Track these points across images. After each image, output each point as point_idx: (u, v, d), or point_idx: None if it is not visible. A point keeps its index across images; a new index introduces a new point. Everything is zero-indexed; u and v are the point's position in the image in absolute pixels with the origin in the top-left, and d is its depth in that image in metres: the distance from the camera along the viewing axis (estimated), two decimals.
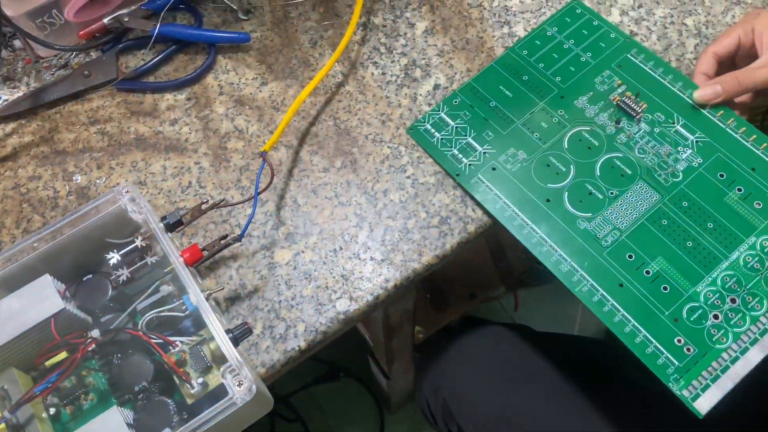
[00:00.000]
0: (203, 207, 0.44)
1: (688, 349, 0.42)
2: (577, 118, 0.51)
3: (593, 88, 0.52)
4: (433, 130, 0.52)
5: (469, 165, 0.50)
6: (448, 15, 0.58)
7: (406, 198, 0.50)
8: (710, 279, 0.44)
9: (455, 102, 0.53)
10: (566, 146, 0.50)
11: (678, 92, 0.51)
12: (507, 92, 0.53)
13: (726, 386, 0.41)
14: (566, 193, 0.48)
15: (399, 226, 0.49)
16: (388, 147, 0.52)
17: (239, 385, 0.37)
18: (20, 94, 0.56)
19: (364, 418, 1.14)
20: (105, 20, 0.56)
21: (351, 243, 0.49)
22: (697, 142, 0.49)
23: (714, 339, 0.43)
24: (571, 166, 0.49)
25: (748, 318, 0.43)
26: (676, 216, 0.47)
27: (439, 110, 0.53)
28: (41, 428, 0.39)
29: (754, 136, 0.48)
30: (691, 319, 0.43)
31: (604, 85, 0.52)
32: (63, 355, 0.41)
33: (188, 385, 0.39)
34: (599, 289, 0.45)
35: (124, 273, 0.42)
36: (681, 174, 0.48)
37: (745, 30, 0.50)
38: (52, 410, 0.40)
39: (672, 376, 0.42)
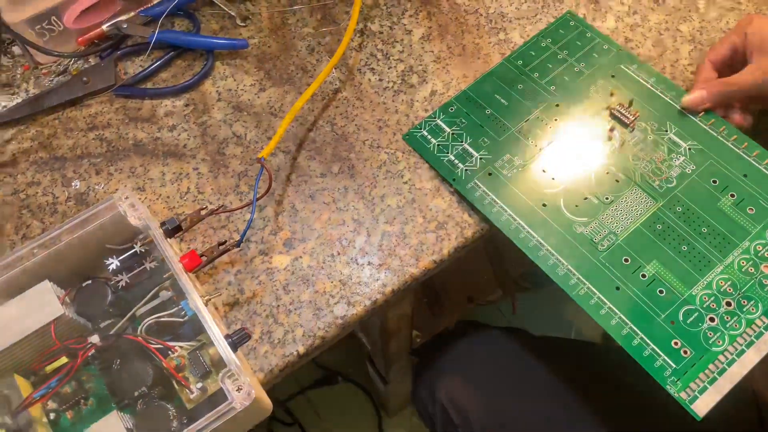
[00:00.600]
0: (202, 213, 0.45)
1: (685, 352, 0.43)
2: (572, 124, 0.52)
3: (588, 97, 0.53)
4: (429, 137, 0.52)
5: (466, 170, 0.50)
6: (444, 21, 0.59)
7: (403, 203, 0.51)
8: (705, 282, 0.45)
9: (451, 109, 0.54)
10: (561, 153, 0.51)
11: (670, 101, 0.52)
12: (502, 100, 0.54)
13: (724, 388, 0.42)
14: (562, 198, 0.49)
15: (396, 231, 0.50)
16: (386, 152, 0.53)
17: (238, 389, 0.37)
18: (19, 100, 0.56)
19: (361, 422, 1.15)
20: (104, 27, 0.56)
21: (349, 248, 0.49)
22: (689, 149, 0.50)
23: (710, 342, 0.43)
24: (567, 172, 0.50)
25: (743, 321, 0.43)
26: (671, 221, 0.47)
27: (435, 117, 0.53)
28: (49, 430, 0.39)
29: (746, 144, 0.49)
30: (688, 321, 0.44)
31: (598, 94, 0.53)
32: (63, 360, 0.42)
33: (187, 390, 0.39)
34: (596, 292, 0.45)
35: (124, 278, 0.43)
36: (675, 180, 0.49)
37: (739, 36, 0.50)
38: (52, 415, 0.40)
39: (669, 378, 0.42)
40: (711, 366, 0.42)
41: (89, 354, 0.40)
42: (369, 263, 0.48)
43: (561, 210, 0.48)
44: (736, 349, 0.43)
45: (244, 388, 0.37)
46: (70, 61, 0.57)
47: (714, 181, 0.48)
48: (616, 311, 0.44)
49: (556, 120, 0.52)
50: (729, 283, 0.45)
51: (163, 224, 0.43)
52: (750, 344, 0.43)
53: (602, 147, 0.51)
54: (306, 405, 1.14)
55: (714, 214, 0.47)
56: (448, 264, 0.49)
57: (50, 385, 0.39)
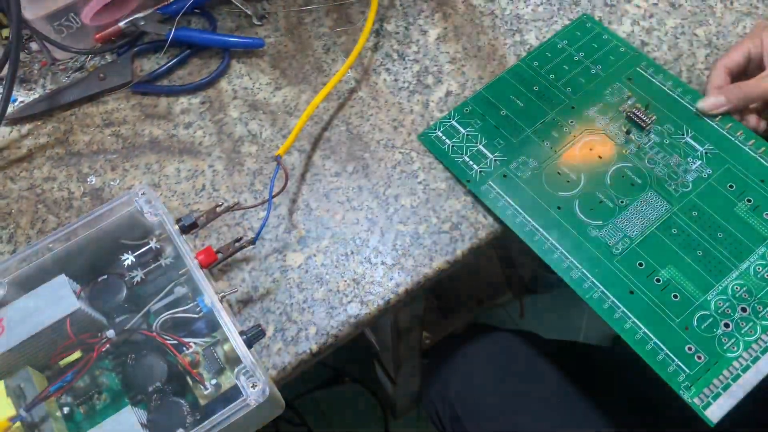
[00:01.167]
0: (218, 210, 0.45)
1: (699, 357, 0.43)
2: (588, 127, 0.52)
3: (603, 99, 0.53)
4: (444, 137, 0.52)
5: (480, 172, 0.50)
6: (460, 22, 0.59)
7: (417, 203, 0.51)
8: (720, 288, 0.45)
9: (466, 110, 0.54)
10: (577, 156, 0.51)
11: (687, 105, 0.51)
12: (518, 102, 0.53)
13: (737, 395, 0.41)
14: (577, 201, 0.49)
15: (410, 231, 0.50)
16: (400, 152, 0.53)
17: (253, 386, 0.37)
18: (36, 96, 0.56)
19: (368, 423, 1.15)
20: (121, 24, 0.57)
21: (362, 247, 0.49)
22: (706, 153, 0.49)
23: (725, 347, 0.43)
24: (582, 175, 0.50)
25: (758, 327, 0.43)
26: (686, 225, 0.47)
27: (450, 118, 0.53)
28: (55, 427, 0.39)
29: (763, 149, 0.49)
30: (702, 327, 0.44)
31: (614, 96, 0.53)
32: (77, 354, 0.42)
33: (201, 387, 0.39)
34: (610, 296, 0.45)
35: (139, 274, 0.43)
36: (691, 184, 0.48)
37: (754, 42, 0.50)
38: (65, 409, 0.40)
39: (683, 383, 0.42)
40: (725, 372, 0.42)
41: (104, 349, 0.40)
42: (382, 263, 0.49)
43: (576, 213, 0.48)
44: (751, 356, 0.42)
45: (259, 385, 0.37)
46: (87, 57, 0.58)
47: (731, 186, 0.48)
48: (630, 315, 0.44)
49: (571, 122, 0.52)
50: (744, 288, 0.44)
51: (179, 221, 0.43)
52: (765, 350, 0.42)
53: (618, 150, 0.50)
54: (313, 405, 1.14)
55: (730, 219, 0.47)
56: (462, 265, 0.49)
57: (65, 379, 0.39)
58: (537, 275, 1.04)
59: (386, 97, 0.55)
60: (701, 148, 0.50)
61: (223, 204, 0.45)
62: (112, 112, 0.56)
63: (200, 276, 0.41)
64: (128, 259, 0.43)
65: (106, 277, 0.43)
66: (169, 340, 0.40)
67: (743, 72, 0.51)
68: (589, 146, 0.51)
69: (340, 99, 0.56)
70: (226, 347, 0.40)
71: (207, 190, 0.52)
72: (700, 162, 0.49)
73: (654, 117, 0.51)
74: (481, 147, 0.52)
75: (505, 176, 0.50)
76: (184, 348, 0.40)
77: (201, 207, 0.51)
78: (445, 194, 0.51)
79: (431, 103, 0.55)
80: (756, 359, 0.42)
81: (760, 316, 0.43)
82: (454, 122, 0.53)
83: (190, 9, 0.57)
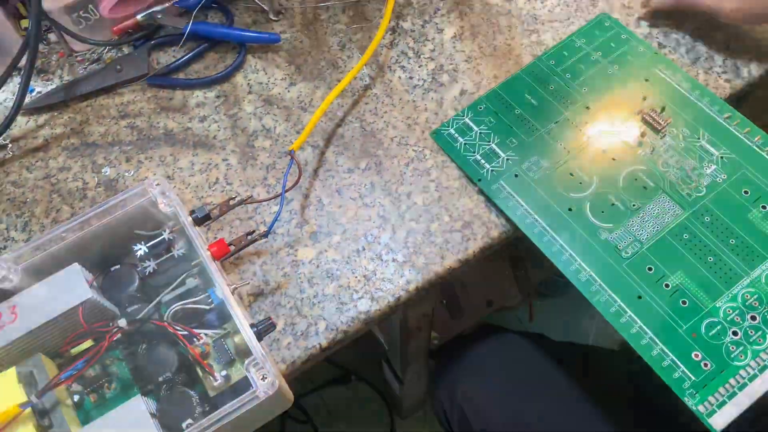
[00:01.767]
0: (231, 203, 0.45)
1: (706, 365, 0.42)
2: (602, 129, 0.51)
3: (619, 100, 0.52)
4: (456, 135, 0.52)
5: (492, 171, 0.50)
6: (476, 21, 0.59)
7: (429, 201, 0.50)
8: (730, 295, 0.44)
9: (480, 108, 0.53)
10: (590, 157, 0.50)
11: (704, 107, 0.51)
12: (532, 100, 0.53)
13: (743, 404, 0.41)
14: (588, 203, 0.48)
15: (422, 228, 0.49)
16: (413, 150, 0.53)
17: (263, 378, 0.37)
18: (53, 86, 0.57)
19: (374, 423, 1.14)
20: (138, 17, 0.57)
21: (374, 244, 0.49)
22: (721, 157, 0.49)
23: (732, 356, 0.42)
24: (594, 177, 0.49)
25: None
26: (698, 231, 0.46)
27: (463, 115, 0.53)
28: (65, 414, 0.39)
29: None
30: (710, 334, 0.43)
31: (630, 97, 0.53)
32: (88, 343, 0.42)
33: (211, 378, 0.39)
34: (617, 299, 0.45)
35: (151, 265, 0.43)
36: (705, 189, 0.48)
37: None
38: (75, 397, 0.41)
39: (688, 390, 0.42)
40: (732, 380, 0.42)
41: (116, 338, 0.40)
42: (394, 260, 0.48)
43: (586, 215, 0.48)
44: (759, 365, 0.42)
45: (269, 377, 0.37)
46: (104, 49, 0.58)
47: (745, 192, 0.47)
48: (637, 320, 0.44)
49: (586, 123, 0.52)
50: (755, 296, 0.44)
51: (192, 212, 0.43)
52: None
53: (632, 152, 0.50)
54: (319, 403, 1.14)
55: (743, 226, 0.46)
56: (473, 264, 0.49)
57: (77, 366, 0.39)
58: (548, 279, 1.03)
59: (401, 95, 0.55)
60: (717, 152, 0.49)
61: (236, 197, 0.45)
62: (127, 104, 0.56)
63: (212, 268, 0.41)
64: (141, 249, 0.43)
65: (118, 266, 0.43)
66: (180, 330, 0.40)
67: None
68: (603, 148, 0.51)
69: (355, 96, 0.56)
70: (236, 339, 0.40)
71: (220, 183, 0.52)
72: (715, 167, 0.49)
73: (669, 119, 0.51)
74: (493, 146, 0.51)
75: (516, 176, 0.50)
76: (195, 339, 0.40)
77: (214, 200, 0.51)
78: (458, 193, 0.51)
79: (445, 102, 0.55)
80: (764, 368, 0.42)
81: None
82: (467, 119, 0.53)
83: (207, 3, 0.58)
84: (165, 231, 0.44)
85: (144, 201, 0.43)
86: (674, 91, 0.52)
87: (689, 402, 0.41)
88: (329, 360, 1.13)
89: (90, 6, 0.55)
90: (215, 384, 0.39)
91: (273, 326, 0.40)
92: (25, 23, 0.58)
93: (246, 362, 0.38)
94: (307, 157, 0.53)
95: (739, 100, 0.55)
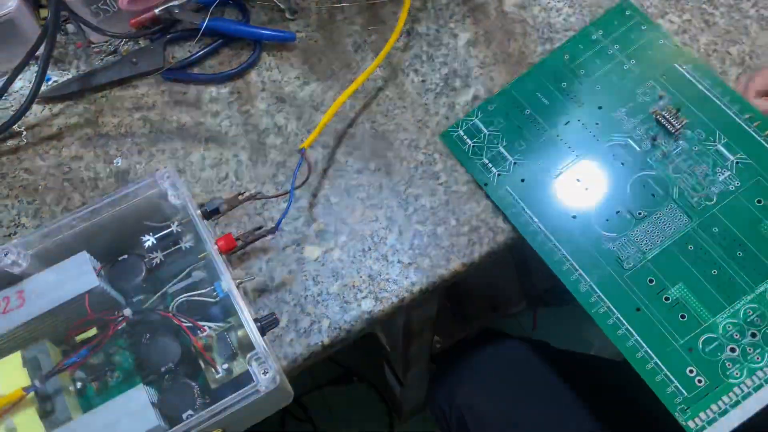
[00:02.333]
0: (240, 198, 0.45)
1: (699, 381, 0.42)
2: (613, 131, 0.50)
3: (634, 100, 0.51)
4: (465, 137, 0.52)
5: (498, 175, 0.50)
6: (491, 28, 0.59)
7: (437, 204, 0.51)
8: (732, 311, 0.43)
9: (490, 108, 0.53)
10: (599, 161, 0.49)
11: (724, 107, 0.49)
12: (544, 99, 0.52)
13: (734, 422, 0.40)
14: (593, 210, 0.48)
15: (428, 231, 0.50)
16: (423, 153, 0.53)
17: (264, 373, 0.37)
18: (69, 76, 0.57)
19: (373, 424, 1.15)
20: (156, 11, 0.57)
21: (380, 244, 0.49)
22: (737, 163, 0.47)
23: (728, 372, 0.42)
24: (602, 182, 0.49)
25: (767, 354, 0.42)
26: (704, 242, 0.45)
27: (473, 116, 0.53)
28: (68, 401, 0.39)
29: None
30: (707, 350, 0.42)
31: (645, 96, 0.51)
32: (93, 331, 0.42)
33: (213, 370, 0.40)
34: (615, 312, 0.44)
35: (158, 256, 0.43)
36: (715, 197, 0.46)
37: None
38: (78, 384, 0.41)
39: (679, 405, 0.41)
40: (724, 397, 0.41)
41: (120, 327, 0.41)
42: (399, 261, 0.49)
43: (590, 224, 0.47)
44: (754, 383, 0.41)
45: (270, 372, 0.37)
46: (120, 42, 0.59)
47: (758, 201, 0.46)
48: (634, 333, 0.44)
49: (597, 124, 0.51)
50: (758, 313, 0.43)
51: (202, 206, 0.44)
52: None
53: (642, 157, 0.49)
54: (320, 401, 1.15)
55: (753, 238, 0.45)
56: (478, 268, 0.49)
57: (81, 353, 0.40)
58: (553, 287, 1.03)
59: (413, 98, 0.56)
60: (732, 157, 0.47)
61: (245, 192, 0.45)
62: (142, 97, 0.56)
63: (219, 261, 0.41)
64: (149, 240, 0.44)
65: (126, 256, 0.44)
66: (185, 322, 0.40)
67: None
68: (612, 152, 0.50)
69: (367, 97, 0.56)
70: (240, 333, 0.40)
71: (230, 179, 0.52)
72: (729, 173, 0.47)
73: (685, 121, 0.48)
74: (501, 148, 0.51)
75: (522, 180, 0.50)
76: (199, 331, 0.41)
77: (223, 195, 0.51)
78: (466, 197, 0.51)
79: (457, 106, 0.55)
80: (759, 387, 0.41)
81: None
82: (477, 120, 0.53)
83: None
84: (173, 223, 0.44)
85: (154, 193, 0.44)
86: (693, 89, 0.50)
87: (680, 418, 0.41)
88: (331, 359, 1.13)
89: None
90: (217, 377, 0.40)
91: (276, 322, 0.41)
92: (44, 13, 0.59)
93: (248, 356, 0.38)
94: (317, 156, 0.53)
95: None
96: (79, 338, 0.42)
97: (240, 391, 0.37)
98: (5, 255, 0.41)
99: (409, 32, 0.59)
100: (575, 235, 0.47)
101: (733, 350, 0.42)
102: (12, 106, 0.56)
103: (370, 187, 0.52)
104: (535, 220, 0.48)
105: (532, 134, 0.51)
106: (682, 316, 0.44)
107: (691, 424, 0.41)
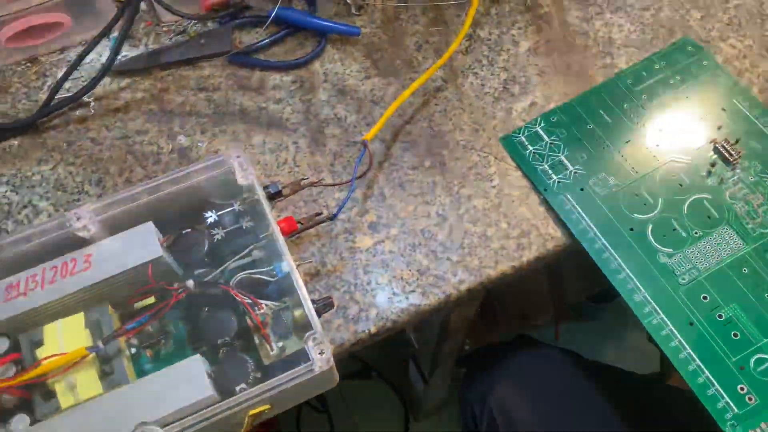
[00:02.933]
0: (302, 183, 0.46)
1: (750, 399, 0.43)
2: (673, 153, 0.52)
3: (694, 127, 0.53)
4: (526, 143, 0.53)
5: (558, 182, 0.51)
6: (552, 38, 0.60)
7: (489, 206, 0.52)
8: None
9: (553, 119, 0.54)
10: (658, 180, 0.51)
11: None
12: (606, 117, 0.54)
13: None
14: (651, 225, 0.49)
15: (479, 231, 0.51)
16: (478, 155, 0.54)
17: (321, 353, 0.38)
18: (138, 52, 0.59)
19: (389, 421, 1.16)
20: None
21: (430, 240, 0.50)
22: None
23: None
24: (660, 200, 0.50)
25: None
26: (758, 266, 0.47)
27: (535, 125, 0.54)
28: (126, 365, 0.41)
29: None
30: (758, 369, 0.43)
31: (705, 124, 0.53)
32: (151, 300, 0.44)
33: (268, 347, 0.41)
34: (668, 323, 0.45)
35: (220, 233, 0.45)
36: None
37: None
38: (132, 350, 0.42)
39: (729, 422, 0.42)
40: None
41: (181, 297, 0.42)
42: (448, 258, 0.50)
43: (647, 237, 0.48)
44: None
45: (326, 353, 0.38)
46: (190, 23, 0.60)
47: None
48: (686, 346, 0.44)
49: (657, 146, 0.52)
50: None
51: (266, 187, 0.45)
52: None
53: (700, 181, 0.50)
54: (337, 394, 1.16)
55: None
56: (525, 273, 0.50)
57: (142, 320, 0.41)
58: (582, 302, 1.03)
59: (471, 100, 0.56)
60: None
61: (308, 178, 0.46)
62: (207, 78, 0.58)
63: (281, 242, 0.42)
64: (212, 217, 0.45)
65: (189, 230, 0.45)
66: (245, 298, 0.41)
67: None
68: (672, 172, 0.51)
69: (426, 96, 0.57)
70: (296, 313, 0.41)
71: (288, 164, 0.54)
72: None
73: (742, 152, 0.51)
74: (562, 157, 0.52)
75: (582, 190, 0.51)
76: (256, 308, 0.42)
77: (281, 179, 0.53)
78: (518, 201, 0.52)
79: (514, 112, 0.56)
80: None
81: None
82: (539, 129, 0.54)
83: None
84: (235, 203, 0.46)
85: (222, 171, 0.45)
86: (750, 124, 0.52)
87: None
88: (352, 354, 1.14)
89: None
90: (271, 353, 0.41)
91: (332, 305, 0.42)
92: None
93: (306, 336, 0.39)
94: (374, 149, 0.54)
95: None
96: (137, 305, 0.43)
97: (295, 369, 0.38)
98: (77, 219, 0.43)
99: (471, 36, 0.60)
100: (632, 247, 0.48)
101: None
102: (82, 77, 0.58)
103: (423, 183, 0.53)
104: (594, 228, 0.49)
105: (594, 148, 0.53)
106: (735, 335, 0.44)
107: None
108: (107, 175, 0.53)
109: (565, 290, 0.85)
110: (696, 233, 0.48)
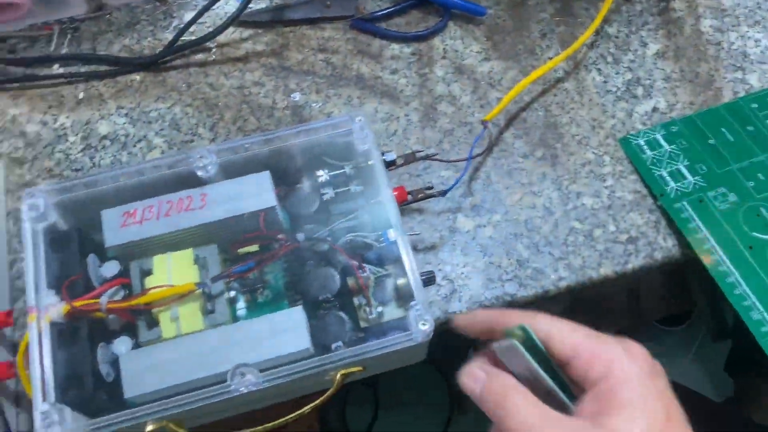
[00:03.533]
0: (417, 155, 0.46)
1: None
2: None
3: None
4: (645, 147, 0.52)
5: (676, 190, 0.49)
6: (683, 44, 0.57)
7: (598, 206, 0.50)
8: None
9: (673, 129, 0.53)
10: None
11: None
12: (728, 136, 0.52)
13: None
14: None
15: (585, 230, 0.49)
16: (593, 153, 0.52)
17: (423, 324, 0.38)
18: (263, 5, 0.59)
19: (434, 406, 1.15)
20: None
21: (533, 232, 0.49)
22: None
23: None
24: None
25: None
26: None
27: (654, 131, 0.53)
28: (228, 306, 0.42)
29: None
30: None
31: None
32: (255, 247, 0.44)
33: (367, 310, 0.41)
34: None
35: (330, 192, 0.45)
36: None
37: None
38: (231, 293, 0.43)
39: None
40: None
41: (289, 249, 0.42)
42: (550, 253, 0.49)
43: (767, 257, 0.46)
44: None
45: (428, 325, 0.38)
46: None
47: None
48: None
49: None
50: None
51: (383, 154, 0.45)
52: None
53: None
54: (389, 371, 1.16)
55: None
56: (630, 280, 0.49)
57: (250, 264, 0.42)
58: (652, 324, 1.00)
59: (591, 96, 0.55)
60: None
61: (423, 151, 0.46)
62: (328, 40, 0.58)
63: (393, 209, 0.42)
64: (323, 176, 0.45)
65: (301, 185, 0.45)
66: (353, 260, 0.41)
67: None
68: None
69: (545, 85, 0.56)
70: (399, 282, 0.41)
71: (398, 135, 0.53)
72: None
73: None
74: (681, 167, 0.50)
75: (701, 201, 0.49)
76: (360, 271, 0.42)
77: (389, 149, 0.52)
78: (630, 206, 0.50)
79: (635, 114, 0.54)
80: None
81: None
82: (658, 135, 0.52)
83: None
84: (347, 166, 0.46)
85: (341, 132, 0.45)
86: None
87: None
88: None
89: None
90: (369, 317, 0.41)
91: (434, 279, 0.42)
92: None
93: (410, 305, 0.39)
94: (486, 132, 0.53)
95: None
96: (241, 251, 0.44)
97: (395, 336, 0.38)
98: (199, 157, 0.43)
99: (598, 31, 0.58)
100: (751, 264, 0.46)
101: None
102: (206, 22, 0.59)
103: (533, 173, 0.52)
104: (711, 240, 0.47)
105: (714, 162, 0.51)
106: None
107: None
108: (221, 121, 0.54)
109: (641, 307, 0.83)
110: None
